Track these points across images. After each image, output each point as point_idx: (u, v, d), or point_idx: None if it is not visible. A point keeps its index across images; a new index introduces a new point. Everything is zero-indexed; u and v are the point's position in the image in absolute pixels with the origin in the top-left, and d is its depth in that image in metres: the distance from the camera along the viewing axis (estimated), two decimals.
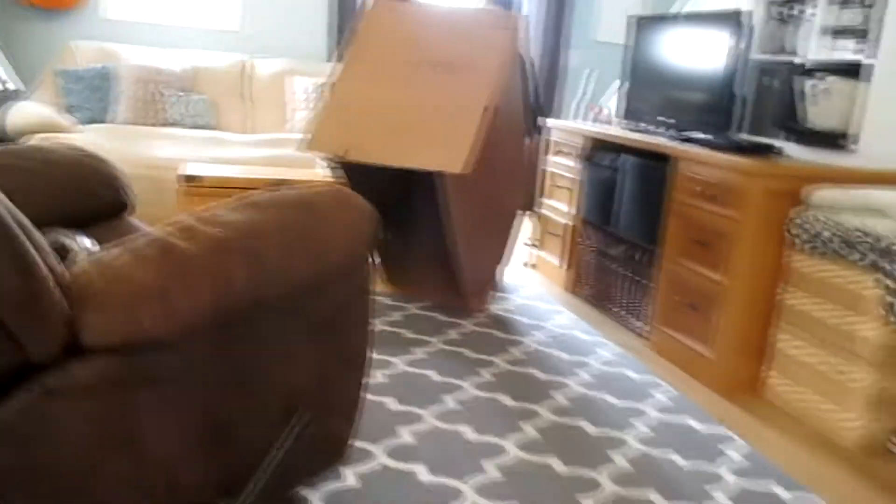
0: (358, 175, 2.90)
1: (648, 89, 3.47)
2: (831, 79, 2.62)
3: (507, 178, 3.12)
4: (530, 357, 2.70)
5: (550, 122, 3.95)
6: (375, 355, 2.57)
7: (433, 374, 2.45)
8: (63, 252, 1.40)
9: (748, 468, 2.03)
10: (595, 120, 3.74)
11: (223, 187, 3.04)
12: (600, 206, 3.31)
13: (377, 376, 2.40)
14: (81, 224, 1.74)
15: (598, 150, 3.38)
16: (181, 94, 4.38)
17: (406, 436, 2.03)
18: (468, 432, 2.08)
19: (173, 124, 4.33)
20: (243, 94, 4.66)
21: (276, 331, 1.33)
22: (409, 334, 2.81)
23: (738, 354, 2.53)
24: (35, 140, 3.53)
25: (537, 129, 3.54)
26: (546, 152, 3.93)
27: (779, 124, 2.87)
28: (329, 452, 1.56)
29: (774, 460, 2.10)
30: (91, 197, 1.86)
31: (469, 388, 2.37)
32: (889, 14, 2.47)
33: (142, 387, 1.09)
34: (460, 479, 1.84)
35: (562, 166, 3.72)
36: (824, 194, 2.34)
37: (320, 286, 1.40)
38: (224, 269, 1.19)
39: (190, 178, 2.99)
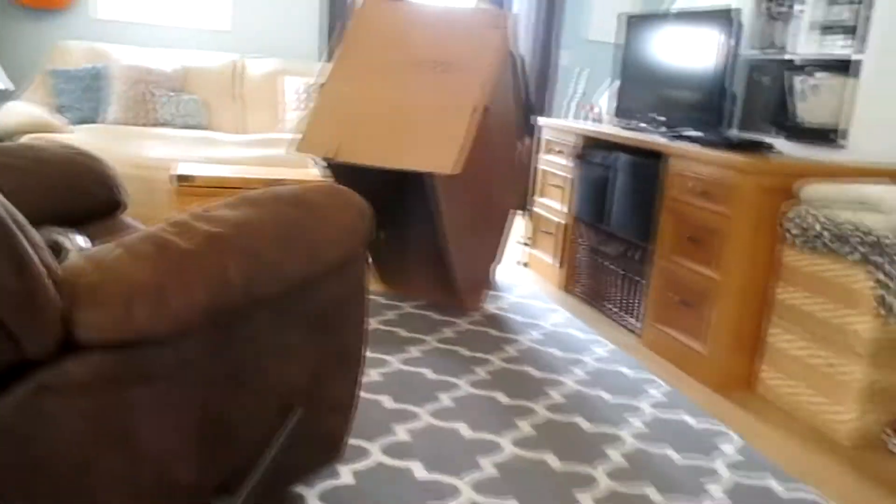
0: (350, 175, 2.90)
1: (640, 87, 3.48)
2: (821, 74, 2.63)
3: (499, 176, 3.12)
4: (525, 355, 2.70)
5: (543, 120, 3.95)
6: (370, 354, 2.57)
7: (428, 373, 2.45)
8: (57, 250, 1.40)
9: (743, 462, 2.04)
10: (588, 118, 3.75)
11: (216, 187, 3.03)
12: (593, 203, 3.32)
13: (372, 375, 2.40)
14: (75, 223, 1.73)
15: (591, 148, 3.38)
16: (172, 94, 4.36)
17: (401, 433, 2.03)
18: (464, 429, 2.08)
19: (164, 124, 4.31)
20: (235, 94, 4.64)
21: (271, 327, 1.32)
22: (404, 333, 2.81)
23: (731, 350, 2.54)
24: (25, 140, 3.50)
25: (530, 129, 3.54)
26: (539, 151, 3.93)
27: (769, 121, 2.88)
28: (325, 449, 1.56)
29: (769, 454, 2.11)
30: (84, 195, 1.85)
31: (464, 386, 2.37)
32: (876, 9, 2.49)
33: (137, 383, 1.09)
34: (456, 476, 1.84)
35: (555, 164, 3.73)
36: (816, 189, 2.35)
37: (316, 283, 1.39)
38: (219, 266, 1.19)
39: (183, 178, 2.98)
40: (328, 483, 1.75)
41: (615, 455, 2.02)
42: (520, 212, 4.52)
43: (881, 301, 2.11)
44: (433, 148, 2.53)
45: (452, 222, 2.72)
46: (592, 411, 2.28)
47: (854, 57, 2.56)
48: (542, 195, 3.88)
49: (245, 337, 1.27)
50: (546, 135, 3.87)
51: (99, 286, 1.06)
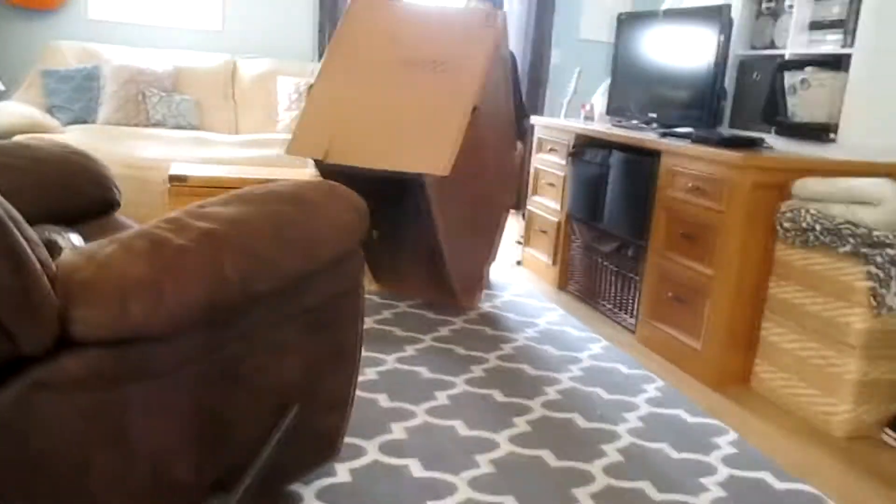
0: (342, 174, 2.89)
1: (634, 86, 3.49)
2: (811, 70, 2.64)
3: (493, 175, 3.11)
4: (521, 353, 2.70)
5: (536, 119, 3.96)
6: (366, 353, 2.57)
7: (424, 371, 2.45)
8: (52, 248, 1.39)
9: (740, 458, 2.05)
10: (585, 118, 3.76)
11: (210, 187, 3.02)
12: (587, 201, 3.32)
13: (368, 373, 2.39)
14: (69, 222, 1.73)
15: (586, 147, 3.39)
16: (164, 94, 4.35)
17: (398, 432, 2.02)
18: (460, 427, 2.08)
19: (156, 125, 4.30)
20: (228, 94, 4.63)
21: (267, 324, 1.32)
22: (400, 332, 2.81)
23: (725, 346, 2.55)
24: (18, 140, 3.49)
25: (522, 133, 3.54)
26: (534, 150, 3.94)
27: (761, 117, 2.89)
28: (322, 447, 1.55)
29: (764, 449, 2.12)
30: (79, 195, 1.84)
31: (460, 385, 2.37)
32: (864, 5, 2.50)
33: (133, 380, 1.08)
34: (454, 474, 1.84)
35: (549, 163, 3.73)
36: (807, 184, 2.36)
37: (312, 279, 1.39)
38: (215, 262, 1.19)
39: (178, 178, 2.97)
40: (325, 481, 1.75)
41: (612, 452, 2.02)
42: (514, 211, 4.53)
43: (872, 293, 2.12)
44: (424, 149, 2.51)
45: (445, 222, 2.71)
46: (589, 409, 2.28)
47: (843, 52, 2.58)
48: (536, 194, 3.89)
49: (241, 334, 1.27)
50: (540, 133, 3.87)
51: (94, 283, 1.06)
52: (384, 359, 2.53)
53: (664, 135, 2.99)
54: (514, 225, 4.60)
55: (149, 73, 4.33)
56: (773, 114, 2.82)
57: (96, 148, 3.56)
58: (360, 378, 2.35)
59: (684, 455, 2.04)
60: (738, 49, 3.11)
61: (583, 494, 1.80)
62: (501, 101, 3.03)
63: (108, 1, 4.66)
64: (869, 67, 2.53)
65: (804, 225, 2.32)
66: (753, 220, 2.46)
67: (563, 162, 3.56)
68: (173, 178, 2.98)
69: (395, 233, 3.21)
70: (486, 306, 3.20)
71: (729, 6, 3.02)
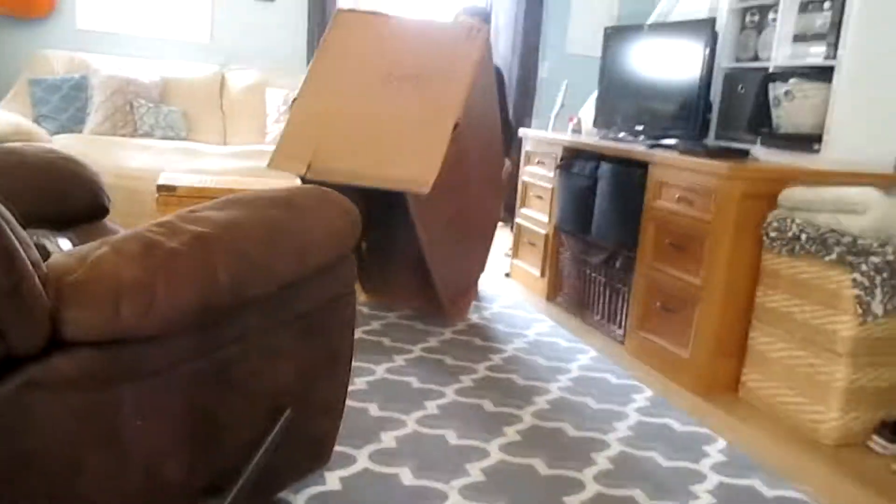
0: (327, 186, 2.88)
1: (621, 99, 3.52)
2: (794, 81, 2.68)
3: (481, 188, 3.12)
4: (510, 363, 2.70)
5: (524, 132, 3.98)
6: (356, 363, 2.55)
7: (414, 381, 2.44)
8: (41, 251, 1.38)
9: (729, 466, 2.05)
10: (573, 130, 3.79)
11: (200, 197, 3.00)
12: (576, 213, 3.34)
13: (357, 383, 2.38)
14: (59, 227, 1.71)
15: (574, 159, 3.41)
16: (152, 105, 4.34)
17: (388, 440, 2.01)
18: (450, 436, 2.08)
19: (144, 135, 4.28)
20: (216, 105, 4.63)
21: (260, 328, 1.32)
22: (389, 342, 2.80)
23: (715, 355, 2.56)
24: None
25: (508, 148, 3.54)
26: (522, 163, 3.96)
27: (747, 128, 2.93)
28: (314, 453, 1.54)
29: (753, 456, 2.13)
30: (68, 199, 1.83)
31: (450, 394, 2.37)
32: (847, 16, 2.55)
33: (125, 381, 1.08)
34: (444, 482, 1.83)
35: (538, 176, 3.75)
36: (794, 193, 2.39)
37: (304, 284, 1.39)
38: (207, 266, 1.18)
39: (167, 188, 2.96)
40: (315, 489, 1.73)
41: (602, 460, 2.02)
42: (502, 224, 4.54)
43: (858, 301, 2.14)
44: (408, 165, 2.48)
45: (429, 235, 2.69)
46: (579, 417, 2.28)
47: (827, 63, 2.62)
48: (524, 206, 3.91)
49: (234, 337, 1.26)
50: (528, 146, 3.89)
51: (86, 284, 1.05)
52: (374, 368, 2.52)
53: (652, 146, 3.02)
54: (502, 237, 4.62)
55: (137, 84, 4.31)
56: (759, 125, 2.86)
57: (84, 157, 3.54)
58: (350, 387, 2.33)
59: (674, 463, 2.04)
60: (723, 62, 3.14)
61: (574, 502, 1.80)
62: (488, 113, 3.03)
63: (97, 11, 4.66)
64: (853, 78, 2.57)
65: (790, 234, 2.35)
66: (741, 230, 2.48)
67: (552, 174, 3.58)
68: (162, 188, 2.96)
69: (383, 241, 3.20)
70: (475, 317, 3.20)
71: (714, 20, 3.07)
